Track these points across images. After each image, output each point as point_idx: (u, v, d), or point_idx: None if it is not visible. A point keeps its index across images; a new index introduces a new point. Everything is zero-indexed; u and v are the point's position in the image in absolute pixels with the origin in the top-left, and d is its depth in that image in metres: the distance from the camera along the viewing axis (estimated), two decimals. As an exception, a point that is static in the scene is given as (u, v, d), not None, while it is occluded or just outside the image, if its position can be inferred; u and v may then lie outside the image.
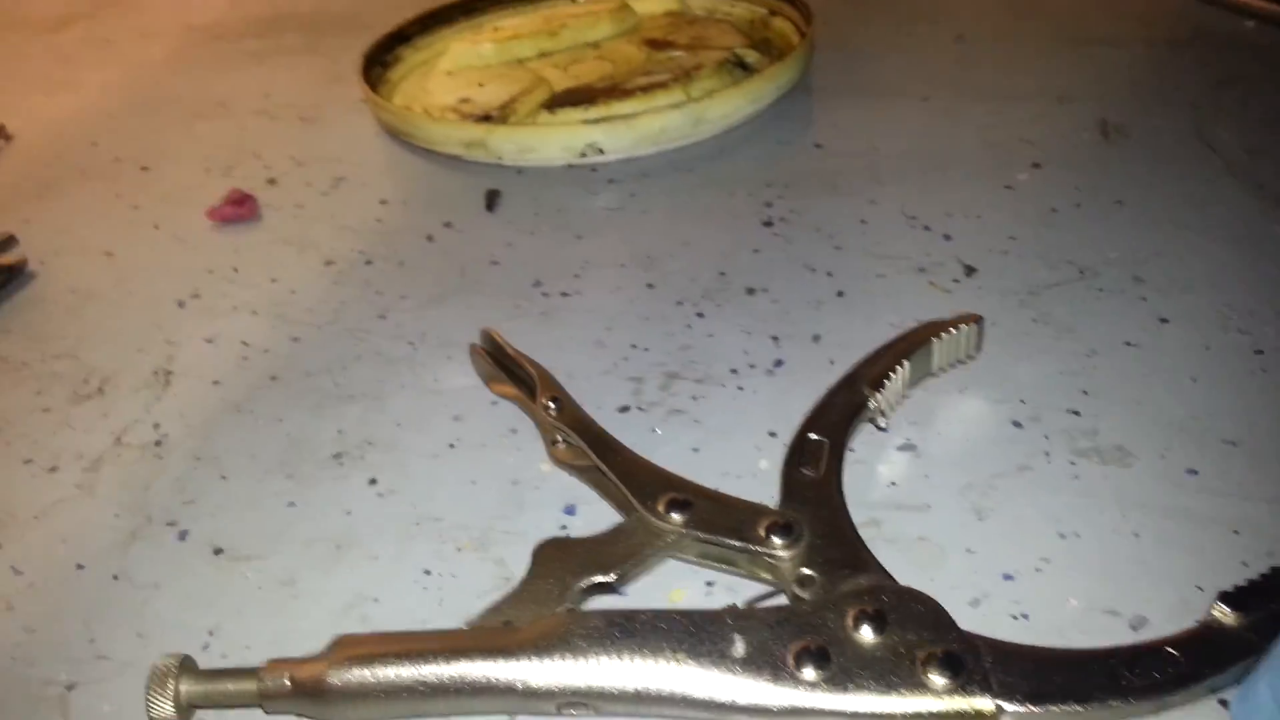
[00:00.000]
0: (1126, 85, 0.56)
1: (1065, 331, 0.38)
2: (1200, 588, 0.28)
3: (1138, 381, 0.36)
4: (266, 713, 0.27)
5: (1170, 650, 0.25)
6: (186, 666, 0.27)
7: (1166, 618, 0.27)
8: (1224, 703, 0.25)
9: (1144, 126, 0.51)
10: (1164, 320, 0.38)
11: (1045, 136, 0.51)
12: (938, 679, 0.25)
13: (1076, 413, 0.35)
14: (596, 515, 0.32)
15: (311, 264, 0.47)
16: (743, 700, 0.25)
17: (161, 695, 0.26)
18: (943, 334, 0.35)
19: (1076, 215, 0.45)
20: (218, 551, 0.33)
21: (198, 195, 0.52)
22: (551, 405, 0.34)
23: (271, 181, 0.54)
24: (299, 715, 0.27)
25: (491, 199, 0.50)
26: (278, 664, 0.26)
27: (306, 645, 0.27)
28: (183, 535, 0.33)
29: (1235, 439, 0.33)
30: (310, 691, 0.26)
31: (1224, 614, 0.26)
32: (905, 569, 0.28)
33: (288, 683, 0.26)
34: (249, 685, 0.26)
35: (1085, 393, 0.35)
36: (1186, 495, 0.31)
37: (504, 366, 0.37)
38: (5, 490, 0.36)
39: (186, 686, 0.26)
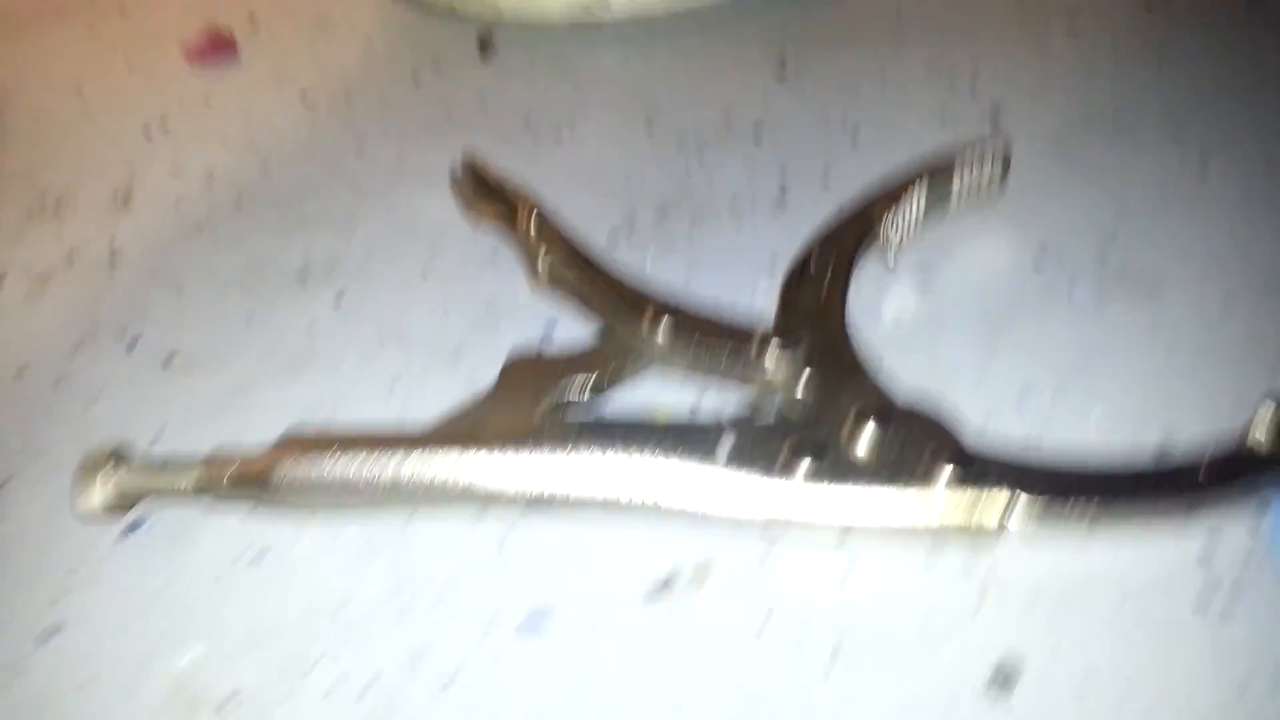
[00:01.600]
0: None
1: (1097, 175, 0.35)
2: (1238, 418, 0.26)
3: (1174, 223, 0.33)
4: (204, 498, 0.24)
5: (1209, 460, 0.22)
6: (122, 454, 0.24)
7: (1203, 446, 0.25)
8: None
9: (1187, -4, 0.48)
10: (1205, 165, 0.35)
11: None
12: (945, 471, 0.22)
13: (1105, 252, 0.32)
14: (578, 335, 0.30)
15: (288, 99, 0.44)
16: (728, 499, 0.23)
17: (93, 484, 0.24)
18: (963, 159, 0.32)
19: (1114, 71, 0.42)
20: (168, 360, 0.30)
21: (175, 35, 0.49)
22: (533, 223, 0.31)
23: (252, 20, 0.51)
24: (238, 500, 0.24)
25: (485, 44, 0.47)
26: (222, 454, 0.24)
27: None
28: (132, 345, 0.31)
29: (1277, 268, 0.30)
30: (256, 483, 0.23)
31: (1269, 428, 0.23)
32: (910, 393, 0.26)
33: (233, 473, 0.24)
34: (191, 475, 0.24)
35: (1114, 231, 0.33)
36: (1224, 325, 0.29)
37: (485, 191, 0.35)
38: (-52, 302, 0.34)
39: (122, 475, 0.24)
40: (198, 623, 0.23)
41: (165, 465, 0.24)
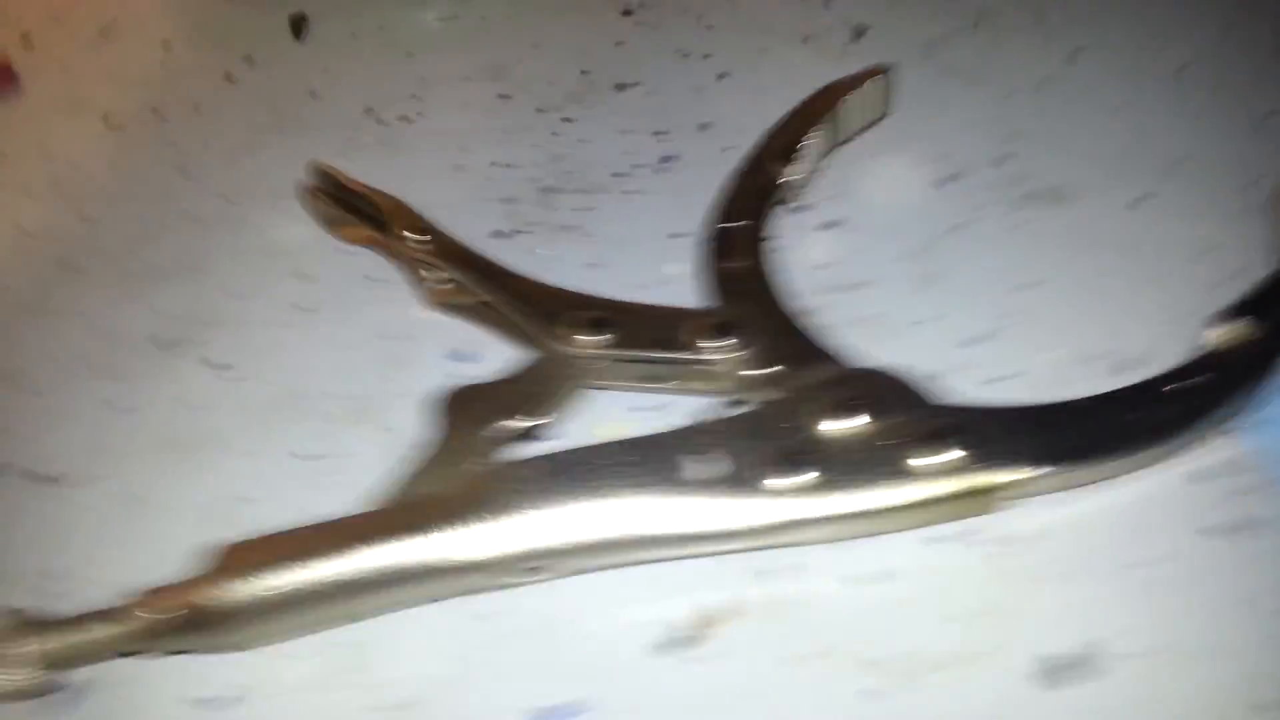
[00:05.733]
0: None
1: (975, 79, 0.35)
2: (1176, 317, 0.25)
3: (1062, 117, 0.32)
4: (143, 654, 0.21)
5: (1177, 383, 0.22)
6: (29, 621, 0.21)
7: (1150, 353, 0.25)
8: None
9: None
10: (1078, 50, 0.35)
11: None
12: (928, 460, 0.21)
13: (1004, 160, 0.31)
14: (493, 357, 0.27)
15: (90, 129, 0.39)
16: (714, 526, 0.21)
17: (8, 663, 0.20)
18: (849, 94, 0.31)
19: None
20: (38, 480, 0.26)
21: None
22: (412, 236, 0.28)
23: (26, 39, 0.44)
24: (185, 651, 0.21)
25: (298, 25, 0.43)
26: (154, 592, 0.20)
27: (172, 570, 0.21)
28: (-13, 468, 0.27)
29: (1176, 159, 0.30)
30: (204, 616, 0.20)
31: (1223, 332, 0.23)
32: (855, 352, 0.24)
33: (165, 612, 0.20)
34: (121, 625, 0.20)
35: (1008, 138, 0.32)
36: (1138, 225, 0.28)
37: (347, 205, 0.31)
38: None
39: (40, 644, 0.20)
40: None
41: (85, 620, 0.21)
